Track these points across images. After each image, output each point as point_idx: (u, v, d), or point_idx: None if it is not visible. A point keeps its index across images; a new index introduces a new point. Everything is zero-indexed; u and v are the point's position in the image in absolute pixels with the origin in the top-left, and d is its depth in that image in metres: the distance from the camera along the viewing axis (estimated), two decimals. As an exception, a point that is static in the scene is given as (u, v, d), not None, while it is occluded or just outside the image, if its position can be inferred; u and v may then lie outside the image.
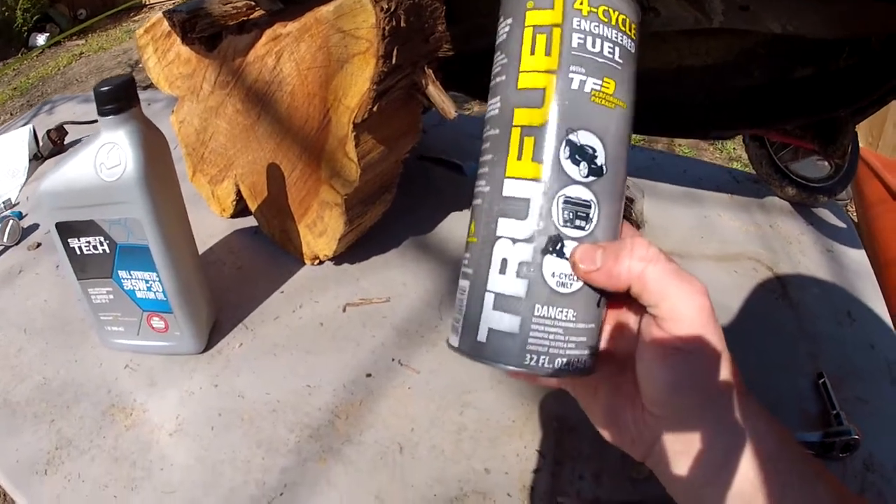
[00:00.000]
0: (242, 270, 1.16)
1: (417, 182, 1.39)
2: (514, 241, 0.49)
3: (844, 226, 1.47)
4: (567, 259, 0.48)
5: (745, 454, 0.46)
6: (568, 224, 0.48)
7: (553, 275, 0.48)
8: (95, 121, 1.52)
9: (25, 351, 1.01)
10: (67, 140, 1.65)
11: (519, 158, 0.49)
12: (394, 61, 0.88)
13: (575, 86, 0.49)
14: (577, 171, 0.48)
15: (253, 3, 1.15)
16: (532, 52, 0.50)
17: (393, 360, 0.98)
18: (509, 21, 0.52)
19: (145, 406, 0.92)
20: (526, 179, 0.49)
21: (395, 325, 1.04)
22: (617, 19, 0.50)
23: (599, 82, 0.49)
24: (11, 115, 5.47)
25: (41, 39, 7.71)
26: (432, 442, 0.87)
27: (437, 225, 1.28)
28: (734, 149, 4.22)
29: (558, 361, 0.49)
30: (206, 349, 1.00)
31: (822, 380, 1.00)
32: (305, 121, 1.01)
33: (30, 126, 1.64)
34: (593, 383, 0.55)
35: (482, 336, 0.50)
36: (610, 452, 0.86)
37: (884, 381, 1.05)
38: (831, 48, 1.07)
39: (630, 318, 0.54)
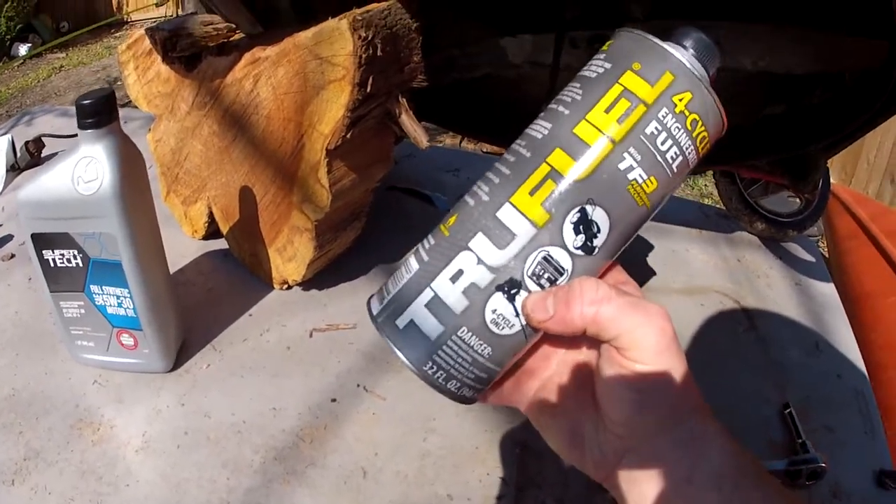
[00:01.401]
0: (212, 292, 1.16)
1: (387, 212, 1.40)
2: (480, 261, 0.48)
3: (813, 260, 1.49)
4: (512, 304, 0.48)
5: (708, 472, 0.46)
6: (534, 278, 0.48)
7: (493, 311, 0.48)
8: (73, 135, 1.53)
9: (-5, 361, 1.01)
10: (45, 153, 1.64)
11: (531, 194, 0.48)
12: (369, 89, 0.89)
13: (622, 166, 0.48)
14: (572, 239, 0.48)
15: (234, 26, 1.17)
16: (606, 111, 0.48)
17: (358, 385, 0.99)
18: (607, 65, 0.50)
19: (113, 422, 0.91)
20: (524, 216, 0.48)
21: (361, 351, 1.05)
22: (699, 134, 0.49)
23: (645, 177, 0.48)
24: (-10, 125, 5.45)
25: (23, 50, 7.69)
26: (396, 467, 0.88)
27: (404, 254, 1.28)
28: (705, 185, 4.26)
29: (452, 384, 0.50)
30: (174, 368, 1.00)
31: (787, 409, 1.02)
32: (280, 145, 1.02)
33: (8, 136, 1.64)
34: (552, 404, 0.55)
35: (401, 322, 0.50)
36: (573, 480, 0.87)
37: (851, 410, 1.06)
38: (804, 85, 1.08)
39: (588, 340, 0.54)
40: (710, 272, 1.36)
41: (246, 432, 0.91)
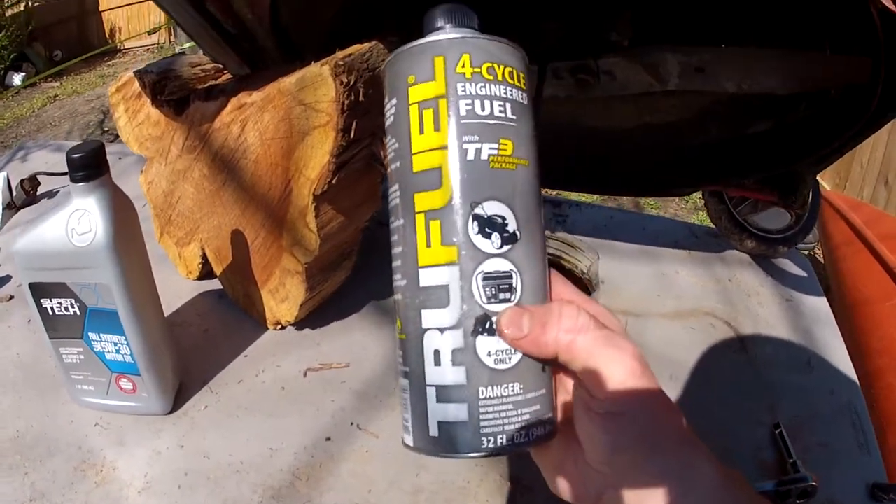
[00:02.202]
0: (208, 333, 1.17)
1: (377, 248, 1.38)
2: (442, 330, 0.48)
3: (805, 274, 1.49)
4: (495, 336, 0.48)
5: (695, 502, 0.46)
6: (492, 300, 0.48)
7: (489, 354, 0.48)
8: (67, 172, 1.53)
9: (-1, 403, 1.02)
10: (40, 190, 1.65)
11: (428, 245, 0.48)
12: (353, 135, 0.90)
13: (471, 156, 0.48)
14: (490, 244, 0.48)
15: (221, 67, 1.18)
16: (421, 132, 0.49)
17: (352, 424, 1.00)
18: (394, 101, 0.52)
19: (115, 464, 0.92)
20: (440, 265, 0.48)
21: (354, 390, 1.06)
22: (503, 74, 0.50)
23: (496, 146, 0.48)
24: (-15, 155, 5.47)
25: (17, 79, 7.73)
26: (390, 504, 0.89)
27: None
28: (699, 198, 4.27)
29: (517, 436, 0.48)
30: (173, 410, 1.01)
31: (778, 430, 1.02)
32: (268, 189, 1.03)
33: (4, 174, 1.64)
34: None
35: (434, 431, 0.49)
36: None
37: (844, 425, 1.07)
38: (789, 102, 1.09)
39: (571, 376, 0.54)
40: (700, 293, 1.37)
41: (244, 472, 0.92)
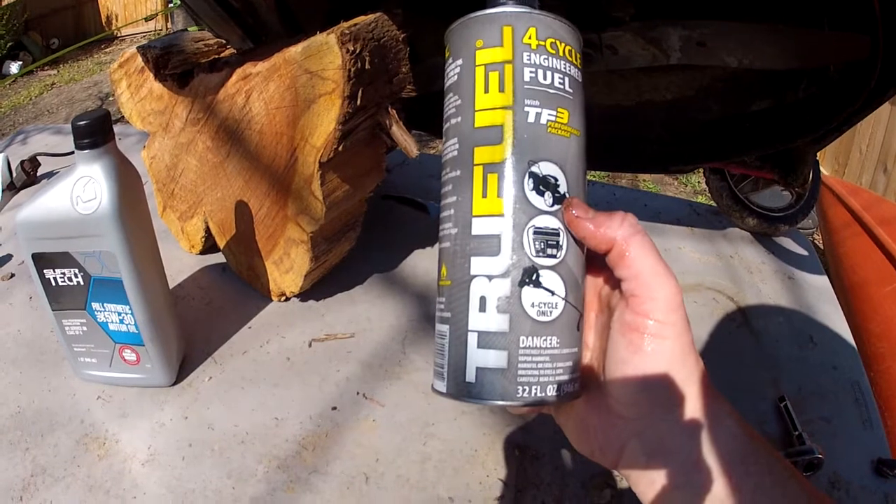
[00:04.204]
0: (211, 306, 1.17)
1: (381, 221, 1.41)
2: (490, 277, 0.49)
3: (806, 253, 1.50)
4: (541, 288, 0.49)
5: (715, 455, 0.46)
6: (540, 254, 0.49)
7: (533, 305, 0.49)
8: (68, 153, 1.53)
9: (0, 379, 1.01)
10: (41, 171, 1.65)
11: (484, 196, 0.50)
12: (359, 102, 0.90)
13: (531, 119, 0.50)
14: (543, 202, 0.50)
15: (224, 42, 1.18)
16: (486, 91, 0.51)
17: (358, 393, 1.00)
18: (459, 62, 0.54)
19: (118, 436, 0.92)
20: (494, 216, 0.50)
21: (359, 360, 1.05)
22: (564, 50, 0.52)
23: (554, 113, 0.51)
24: (-17, 143, 5.48)
25: (14, 67, 7.74)
26: (397, 472, 0.89)
27: (400, 262, 1.29)
28: (698, 182, 4.28)
29: (550, 389, 0.49)
30: (177, 382, 1.00)
31: (783, 403, 1.02)
32: (273, 159, 1.03)
33: (3, 155, 1.64)
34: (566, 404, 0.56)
35: (471, 376, 0.50)
36: (571, 480, 0.88)
37: (847, 400, 1.07)
38: (789, 79, 1.09)
39: (593, 333, 0.56)
40: (703, 269, 1.37)
41: (249, 442, 0.92)
